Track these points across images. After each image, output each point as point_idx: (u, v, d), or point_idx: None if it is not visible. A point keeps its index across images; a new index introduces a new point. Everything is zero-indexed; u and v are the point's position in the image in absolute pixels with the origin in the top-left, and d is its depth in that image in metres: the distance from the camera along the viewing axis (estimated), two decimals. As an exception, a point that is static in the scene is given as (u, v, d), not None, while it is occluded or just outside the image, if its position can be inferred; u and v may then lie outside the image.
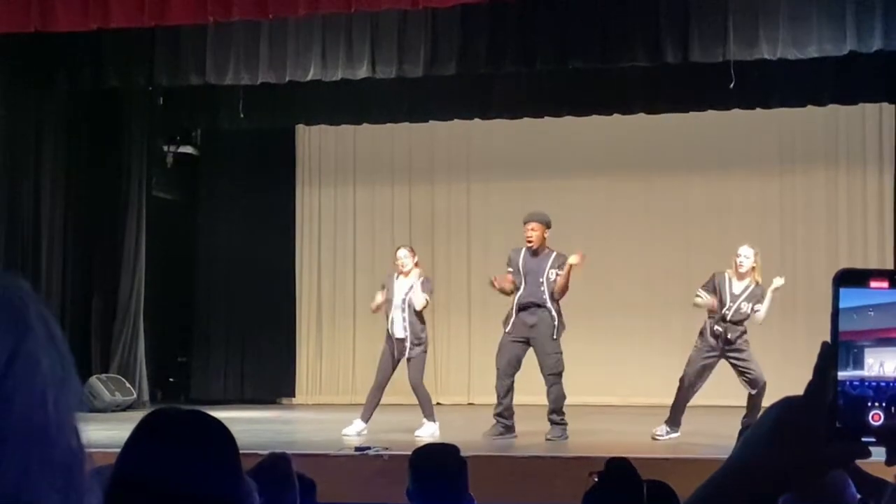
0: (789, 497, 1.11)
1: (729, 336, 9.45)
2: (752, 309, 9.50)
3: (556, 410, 9.71)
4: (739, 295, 9.52)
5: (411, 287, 10.02)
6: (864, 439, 1.03)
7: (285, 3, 9.66)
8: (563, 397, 9.74)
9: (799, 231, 13.47)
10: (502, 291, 9.93)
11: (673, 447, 9.17)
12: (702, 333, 9.64)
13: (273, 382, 14.20)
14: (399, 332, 10.02)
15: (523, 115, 12.71)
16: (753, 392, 9.45)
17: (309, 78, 10.93)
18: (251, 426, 10.31)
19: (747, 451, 1.10)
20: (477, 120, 12.97)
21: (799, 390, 1.08)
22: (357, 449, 8.81)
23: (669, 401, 10.41)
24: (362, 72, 10.80)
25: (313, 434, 10.54)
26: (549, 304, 9.68)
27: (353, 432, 9.93)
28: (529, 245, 9.73)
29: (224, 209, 14.26)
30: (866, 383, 1.03)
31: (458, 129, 13.56)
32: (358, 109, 12.74)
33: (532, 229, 9.71)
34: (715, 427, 9.28)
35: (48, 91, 12.08)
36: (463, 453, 4.51)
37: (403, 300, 9.99)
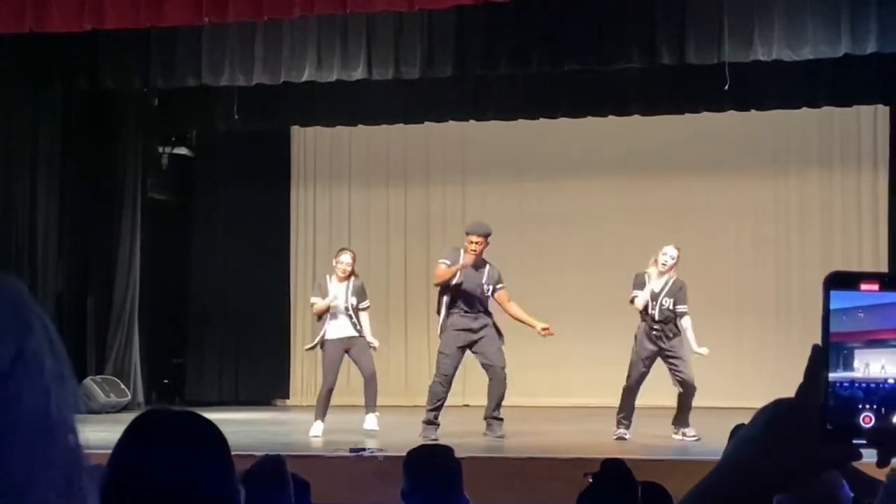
0: (783, 498, 1.11)
1: (667, 335, 9.53)
2: (675, 306, 9.57)
3: (501, 406, 9.85)
4: (659, 292, 9.62)
5: (349, 289, 10.18)
6: (854, 441, 1.03)
7: (280, 5, 9.65)
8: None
9: (793, 232, 13.48)
10: (443, 278, 9.88)
11: (667, 449, 9.17)
12: (637, 338, 9.74)
13: (267, 384, 14.19)
14: (349, 332, 10.14)
15: (519, 116, 12.70)
16: (681, 391, 9.59)
17: (304, 79, 10.92)
18: (246, 427, 10.31)
19: (740, 453, 1.11)
20: (472, 121, 12.96)
21: (793, 392, 1.08)
22: (352, 450, 8.81)
23: (664, 402, 10.43)
24: (358, 73, 10.79)
25: (308, 435, 10.54)
26: (490, 312, 9.87)
27: (319, 433, 10.09)
28: (473, 255, 9.75)
29: (219, 210, 14.25)
30: (856, 384, 1.03)
31: (454, 130, 13.56)
32: (353, 111, 12.73)
33: (478, 243, 9.76)
34: (710, 429, 9.30)
35: (43, 92, 12.07)
36: (457, 454, 4.52)
37: (346, 300, 10.14)
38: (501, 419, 9.84)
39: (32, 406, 0.85)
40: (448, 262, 9.82)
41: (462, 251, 9.87)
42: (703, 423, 9.66)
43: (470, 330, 9.80)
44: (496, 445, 9.46)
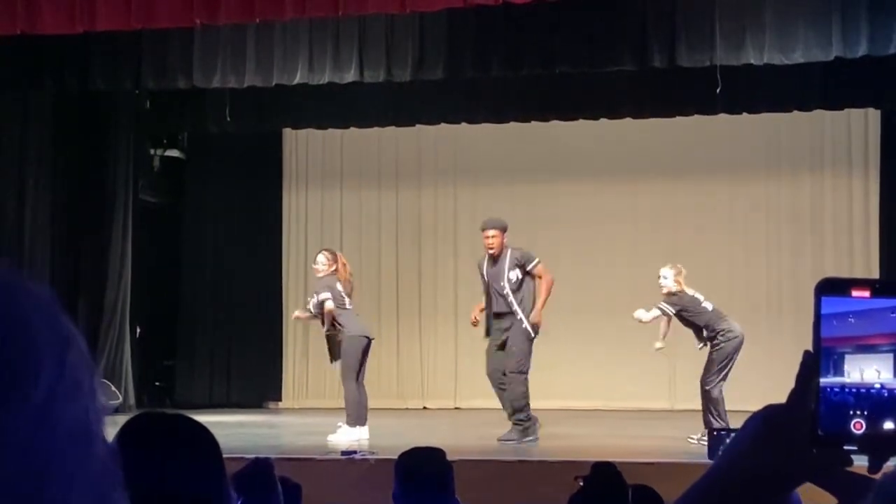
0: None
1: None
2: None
3: (516, 410, 9.78)
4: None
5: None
6: (845, 447, 1.03)
7: (272, 7, 9.64)
8: (523, 397, 9.79)
9: (784, 235, 13.50)
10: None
11: (657, 452, 9.18)
12: None
13: (259, 386, 14.17)
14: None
15: (510, 119, 12.71)
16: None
17: (296, 81, 10.91)
18: (237, 430, 10.30)
19: (730, 458, 1.11)
20: (464, 124, 12.96)
21: (784, 395, 1.08)
22: (343, 453, 8.81)
23: (655, 405, 10.44)
24: (350, 76, 10.78)
25: (300, 438, 10.55)
26: (515, 308, 9.76)
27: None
28: (491, 252, 9.83)
29: (211, 213, 14.24)
30: (846, 390, 1.03)
31: (446, 133, 13.56)
32: (345, 113, 12.71)
33: (493, 236, 9.86)
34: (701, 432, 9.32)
35: (34, 93, 12.04)
36: (449, 457, 4.52)
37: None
38: (518, 423, 9.75)
39: (74, 423, 0.85)
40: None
41: (485, 257, 9.97)
42: (695, 427, 9.67)
43: (500, 329, 9.83)
44: (488, 448, 9.45)
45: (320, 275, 10.21)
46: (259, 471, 3.82)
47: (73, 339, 0.88)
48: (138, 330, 13.46)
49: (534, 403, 9.93)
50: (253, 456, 3.96)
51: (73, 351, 0.87)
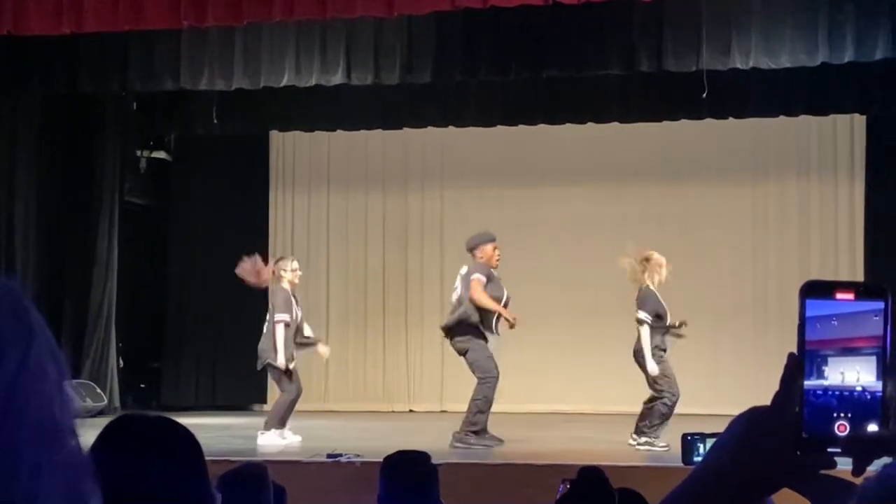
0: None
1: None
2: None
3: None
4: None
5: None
6: (829, 449, 1.04)
7: (259, 9, 9.63)
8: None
9: (771, 239, 13.53)
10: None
11: (644, 455, 9.19)
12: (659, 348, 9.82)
13: (245, 389, 14.13)
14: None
15: (497, 122, 12.72)
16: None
17: (283, 84, 10.91)
18: (223, 433, 10.28)
19: (715, 461, 1.11)
20: (451, 127, 12.97)
21: (769, 397, 1.08)
22: (329, 456, 8.80)
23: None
24: (337, 78, 10.78)
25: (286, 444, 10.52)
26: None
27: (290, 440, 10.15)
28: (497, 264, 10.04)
29: (197, 215, 14.21)
30: (829, 392, 1.04)
31: (433, 136, 13.56)
32: (332, 116, 12.72)
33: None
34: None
35: (21, 96, 12.01)
36: (434, 460, 4.52)
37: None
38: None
39: (38, 413, 0.85)
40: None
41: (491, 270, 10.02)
42: (679, 431, 9.66)
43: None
44: (474, 452, 9.44)
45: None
46: (252, 473, 3.82)
47: (39, 331, 0.88)
48: (120, 344, 13.42)
49: (521, 407, 9.95)
50: (238, 459, 3.96)
51: (37, 343, 0.87)
